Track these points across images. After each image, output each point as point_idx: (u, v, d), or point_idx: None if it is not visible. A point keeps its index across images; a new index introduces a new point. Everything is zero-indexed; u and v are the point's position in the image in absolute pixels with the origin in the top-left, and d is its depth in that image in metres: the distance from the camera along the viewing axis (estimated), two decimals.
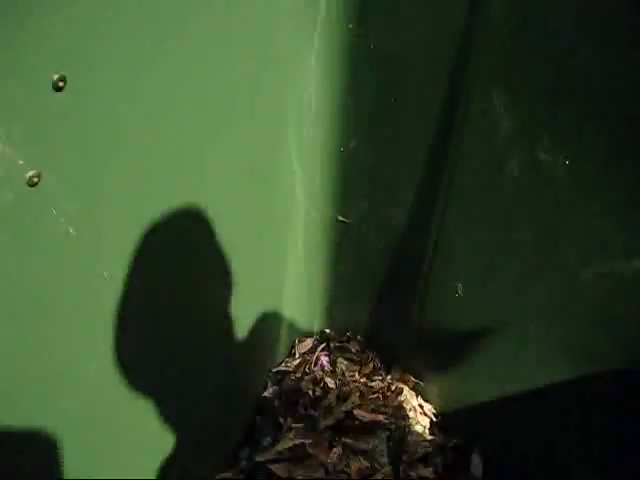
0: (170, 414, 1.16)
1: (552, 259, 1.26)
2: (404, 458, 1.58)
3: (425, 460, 1.61)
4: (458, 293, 1.49)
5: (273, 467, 1.55)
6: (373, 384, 1.68)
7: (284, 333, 1.72)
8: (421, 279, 1.56)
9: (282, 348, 1.74)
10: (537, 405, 1.48)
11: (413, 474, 1.58)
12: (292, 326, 1.73)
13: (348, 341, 1.75)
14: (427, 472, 1.59)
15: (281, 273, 1.60)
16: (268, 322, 1.62)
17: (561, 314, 1.32)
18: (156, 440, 1.17)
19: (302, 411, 1.62)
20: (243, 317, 1.41)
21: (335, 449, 1.56)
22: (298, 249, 1.62)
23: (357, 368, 1.71)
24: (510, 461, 1.62)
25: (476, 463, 1.66)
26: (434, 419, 1.70)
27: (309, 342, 1.77)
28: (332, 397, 1.62)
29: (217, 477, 1.58)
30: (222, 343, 1.36)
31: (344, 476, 1.53)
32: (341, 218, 1.58)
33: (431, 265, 1.52)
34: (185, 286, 1.10)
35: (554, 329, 1.37)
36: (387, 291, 1.65)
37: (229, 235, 1.17)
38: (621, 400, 1.31)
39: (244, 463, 1.61)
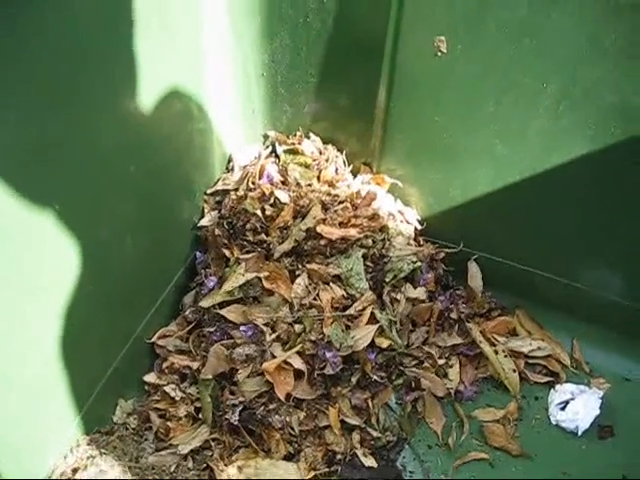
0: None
1: None
2: (387, 279, 1.26)
3: (413, 278, 1.30)
4: (440, 52, 1.08)
5: (224, 312, 1.24)
6: (338, 192, 1.31)
7: (216, 143, 1.32)
8: (386, 44, 1.14)
9: (216, 163, 1.35)
10: (541, 194, 1.23)
11: (400, 297, 1.26)
12: (224, 133, 1.32)
13: (300, 142, 1.34)
14: (417, 293, 1.29)
15: (199, 59, 1.17)
16: (193, 130, 1.23)
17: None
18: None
19: (251, 238, 1.27)
20: (159, 126, 1.11)
21: (299, 279, 1.24)
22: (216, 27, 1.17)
23: (315, 174, 1.32)
24: (512, 264, 1.37)
25: (473, 273, 1.39)
26: (419, 227, 1.38)
27: (250, 150, 1.37)
28: (287, 214, 1.25)
29: (159, 333, 1.29)
30: (140, 161, 1.09)
31: (314, 311, 1.20)
32: None
33: (399, 19, 1.09)
34: None
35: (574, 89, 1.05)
36: (343, 69, 1.25)
37: None
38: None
39: (189, 311, 1.30)
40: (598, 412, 1.26)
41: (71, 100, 0.88)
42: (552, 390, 1.32)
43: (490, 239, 1.35)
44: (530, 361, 1.35)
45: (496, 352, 1.32)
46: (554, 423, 1.28)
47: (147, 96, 1.05)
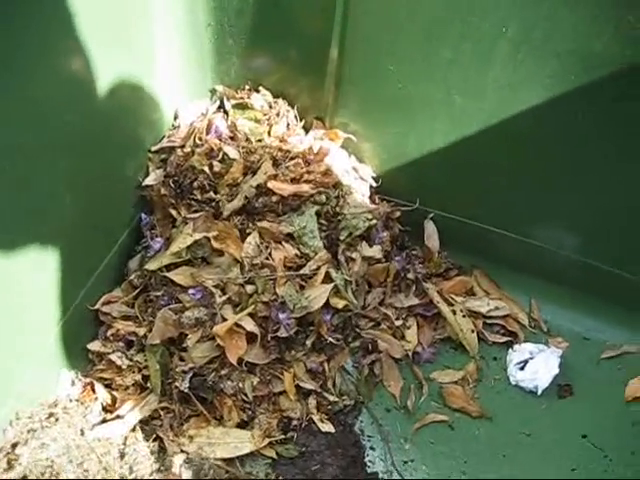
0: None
1: None
2: (342, 237, 1.22)
3: (368, 237, 1.26)
4: None
5: (171, 275, 1.19)
6: (289, 147, 1.25)
7: (162, 98, 1.25)
8: None
9: (163, 119, 1.28)
10: (498, 147, 1.21)
11: (356, 255, 1.22)
12: (171, 87, 1.26)
13: (249, 97, 1.28)
14: (373, 251, 1.25)
15: (146, 5, 1.11)
16: (137, 82, 1.16)
17: None
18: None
19: (199, 196, 1.21)
20: (101, 75, 1.05)
21: (249, 238, 1.18)
22: None
23: (265, 129, 1.27)
24: (469, 222, 1.34)
25: (430, 232, 1.37)
26: (374, 184, 1.34)
27: (197, 106, 1.30)
28: (236, 171, 1.20)
29: (103, 299, 1.22)
30: (78, 111, 1.03)
31: (266, 271, 1.15)
32: None
33: None
34: None
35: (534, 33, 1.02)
36: (294, 18, 1.19)
37: None
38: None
39: (135, 275, 1.24)
40: (557, 371, 1.24)
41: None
42: (511, 350, 1.31)
43: (446, 196, 1.32)
44: (488, 321, 1.33)
45: (454, 312, 1.30)
46: (513, 383, 1.27)
47: (87, 43, 0.98)
